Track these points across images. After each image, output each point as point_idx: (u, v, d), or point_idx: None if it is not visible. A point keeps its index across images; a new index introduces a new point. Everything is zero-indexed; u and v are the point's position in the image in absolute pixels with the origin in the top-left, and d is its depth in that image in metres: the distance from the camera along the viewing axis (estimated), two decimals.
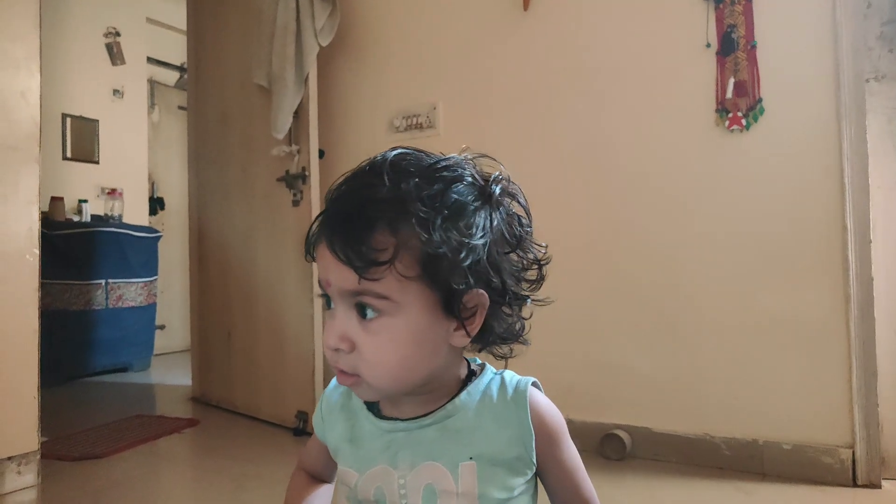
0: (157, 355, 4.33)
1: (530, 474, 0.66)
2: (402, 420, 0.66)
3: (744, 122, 1.94)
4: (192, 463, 2.31)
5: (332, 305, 0.62)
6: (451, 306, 0.60)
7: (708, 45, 1.99)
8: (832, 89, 1.83)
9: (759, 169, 1.93)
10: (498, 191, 0.63)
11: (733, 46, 1.95)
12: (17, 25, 1.92)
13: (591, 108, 2.21)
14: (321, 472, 0.83)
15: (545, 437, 0.66)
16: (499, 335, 0.66)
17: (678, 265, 2.05)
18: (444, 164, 0.61)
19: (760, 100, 1.92)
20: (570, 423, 0.67)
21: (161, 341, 4.47)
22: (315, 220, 0.62)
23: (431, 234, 0.56)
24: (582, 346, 2.20)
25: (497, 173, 0.64)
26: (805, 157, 1.87)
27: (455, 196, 0.59)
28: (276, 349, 2.64)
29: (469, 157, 0.65)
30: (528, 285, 0.67)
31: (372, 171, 0.60)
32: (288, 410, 2.53)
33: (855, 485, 1.78)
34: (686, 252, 2.04)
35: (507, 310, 0.65)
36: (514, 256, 0.64)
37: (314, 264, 2.39)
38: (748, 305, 1.94)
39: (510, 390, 0.66)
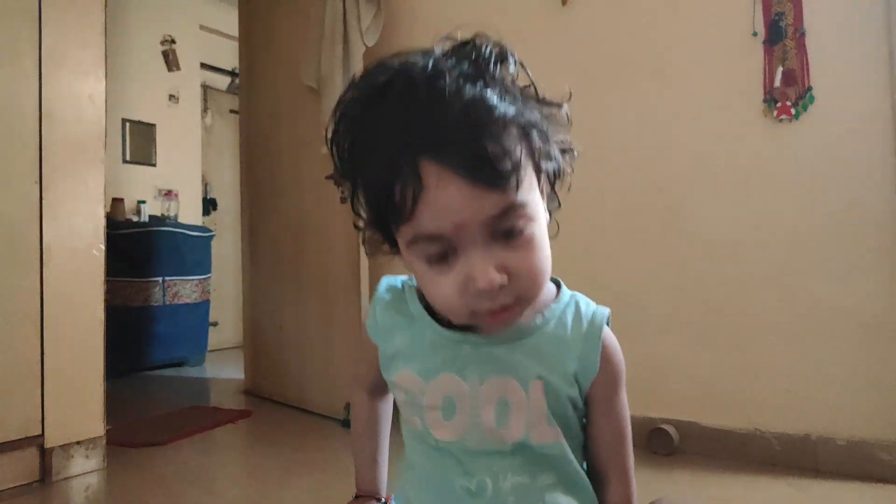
0: (210, 351, 4.47)
1: (581, 405, 0.68)
2: (473, 333, 0.65)
3: (793, 111, 1.90)
4: (247, 451, 2.39)
5: (455, 254, 0.55)
6: (547, 185, 0.60)
7: (755, 34, 1.96)
8: (886, 76, 1.78)
9: (809, 159, 1.90)
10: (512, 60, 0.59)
11: (781, 35, 1.92)
12: (87, 34, 2.03)
13: (635, 102, 2.20)
14: (377, 384, 0.80)
15: (608, 376, 0.67)
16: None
17: (727, 256, 2.03)
18: (480, 55, 0.56)
19: (810, 88, 1.88)
20: None
21: (214, 337, 4.61)
22: (394, 175, 0.52)
23: (533, 122, 0.55)
24: (628, 338, 2.17)
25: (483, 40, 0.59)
26: (858, 145, 1.83)
27: (514, 84, 0.57)
28: (325, 343, 2.71)
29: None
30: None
31: (437, 87, 0.52)
32: (337, 402, 2.60)
33: None
34: (735, 243, 2.01)
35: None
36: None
37: (363, 256, 2.41)
38: (800, 297, 1.91)
39: (584, 322, 0.67)
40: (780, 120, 1.93)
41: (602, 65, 2.26)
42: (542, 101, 0.60)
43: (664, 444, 2.04)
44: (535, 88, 0.60)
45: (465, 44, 0.58)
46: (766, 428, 1.94)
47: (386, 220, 0.56)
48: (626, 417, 0.70)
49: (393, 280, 0.75)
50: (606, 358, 0.66)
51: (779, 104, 1.92)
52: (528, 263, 0.56)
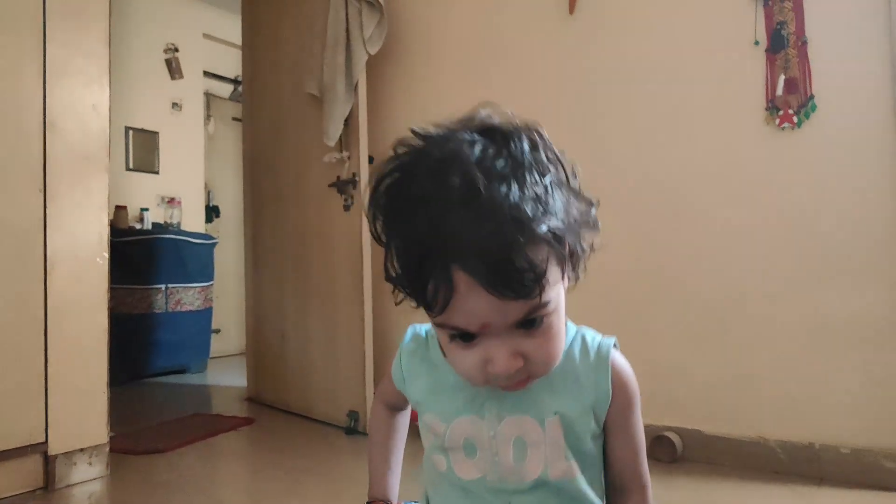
0: (212, 358, 4.47)
1: (599, 433, 0.70)
2: None
3: (795, 119, 1.91)
4: (249, 458, 2.39)
5: (476, 336, 0.59)
6: (570, 270, 0.62)
7: (757, 43, 1.97)
8: (888, 84, 1.79)
9: (811, 167, 1.90)
10: (552, 154, 0.61)
11: (783, 43, 1.92)
12: (91, 43, 2.05)
13: (638, 110, 2.20)
14: (397, 404, 0.89)
15: (622, 402, 0.69)
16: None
17: (730, 265, 2.03)
18: (514, 149, 0.58)
19: (812, 97, 1.89)
20: None
21: (216, 345, 4.62)
22: (429, 275, 0.55)
23: (564, 229, 0.57)
24: (631, 346, 2.17)
25: (529, 132, 0.60)
26: (860, 154, 1.83)
27: (550, 182, 0.57)
28: (328, 351, 2.71)
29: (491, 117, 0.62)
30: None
31: (474, 197, 0.54)
32: (340, 410, 2.60)
33: None
34: (738, 251, 2.02)
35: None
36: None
37: (366, 264, 2.42)
38: (803, 305, 1.91)
39: (592, 353, 0.69)
40: (783, 128, 1.93)
41: (607, 73, 2.27)
42: (575, 193, 0.62)
43: (668, 451, 2.04)
44: (567, 176, 0.61)
45: (497, 130, 0.59)
46: (770, 436, 1.94)
47: (416, 301, 0.59)
48: (641, 433, 0.73)
49: (418, 328, 0.80)
50: (618, 384, 0.69)
51: (781, 112, 1.92)
52: (544, 351, 0.61)
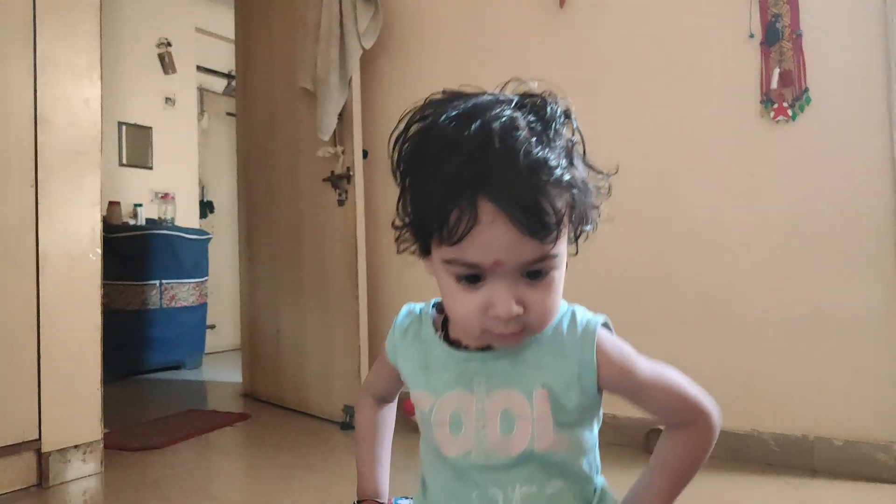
0: (207, 354, 4.47)
1: (595, 403, 0.70)
2: (477, 351, 0.70)
3: (789, 112, 1.91)
4: (244, 454, 2.38)
5: (483, 279, 0.61)
6: (576, 236, 0.65)
7: (751, 36, 1.97)
8: (883, 76, 1.79)
9: (806, 160, 1.90)
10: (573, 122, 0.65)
11: (778, 36, 1.92)
12: (81, 38, 2.03)
13: (631, 103, 2.20)
14: (385, 394, 0.89)
15: (616, 373, 0.69)
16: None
17: (725, 258, 2.03)
18: (548, 111, 0.62)
19: (807, 90, 1.89)
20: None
21: (211, 340, 4.61)
22: (454, 203, 0.57)
23: (582, 189, 0.61)
24: (628, 339, 2.19)
25: (553, 100, 0.64)
26: (855, 147, 1.83)
27: (568, 140, 0.62)
28: (323, 345, 2.71)
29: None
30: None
31: (510, 139, 0.57)
32: (335, 405, 2.59)
33: None
34: (733, 245, 2.02)
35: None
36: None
37: (360, 259, 2.42)
38: (797, 299, 1.91)
39: (579, 329, 0.69)
40: (777, 121, 1.93)
41: (599, 66, 2.27)
42: (592, 167, 0.66)
43: None
44: (585, 149, 0.66)
45: (535, 97, 0.63)
46: (764, 428, 1.95)
47: (428, 232, 0.61)
48: (664, 374, 0.71)
49: (412, 307, 0.80)
50: (604, 355, 0.69)
51: (775, 105, 1.93)
52: (543, 302, 0.63)
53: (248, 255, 3.30)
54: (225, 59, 4.86)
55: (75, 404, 1.99)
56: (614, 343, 0.71)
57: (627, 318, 2.17)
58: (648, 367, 0.71)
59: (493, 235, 0.57)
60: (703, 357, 2.05)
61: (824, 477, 1.81)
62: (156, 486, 1.93)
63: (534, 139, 0.58)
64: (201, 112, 5.03)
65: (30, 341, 1.88)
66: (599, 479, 0.75)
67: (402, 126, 0.65)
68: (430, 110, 0.63)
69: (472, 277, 0.61)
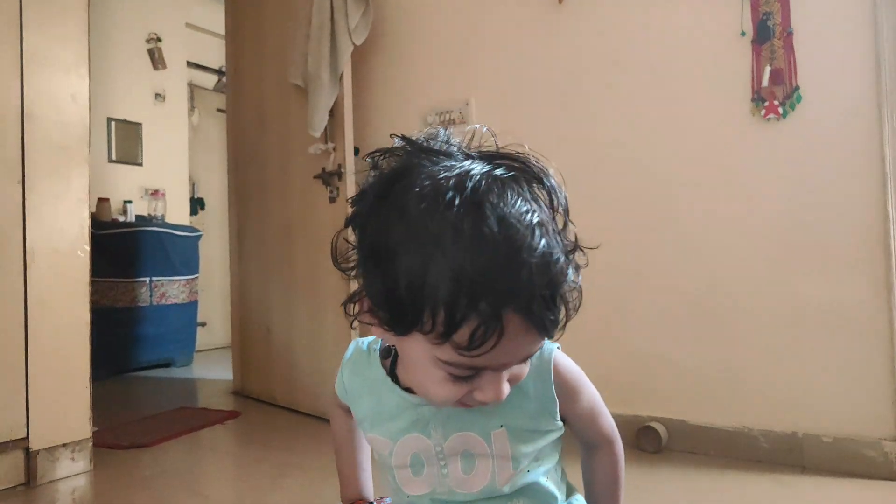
0: (198, 351, 4.44)
1: (556, 428, 0.71)
2: None
3: (780, 110, 1.91)
4: (235, 452, 2.37)
5: (477, 374, 0.57)
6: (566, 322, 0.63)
7: (743, 34, 1.97)
8: (873, 75, 1.80)
9: (796, 157, 1.91)
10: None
11: (769, 34, 1.93)
12: (68, 31, 2.00)
13: (625, 101, 2.20)
14: None
15: (567, 397, 0.71)
16: None
17: (715, 255, 2.04)
18: (541, 189, 0.58)
19: (797, 88, 1.89)
20: None
21: (202, 338, 4.58)
22: (471, 310, 0.51)
23: (577, 280, 0.58)
24: (617, 337, 2.20)
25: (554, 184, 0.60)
26: (845, 144, 1.84)
27: (559, 222, 0.59)
28: (314, 342, 2.70)
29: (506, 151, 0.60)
30: None
31: (511, 231, 0.51)
32: (326, 402, 2.59)
33: None
34: (723, 242, 2.02)
35: None
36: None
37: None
38: (787, 295, 1.92)
39: (533, 359, 0.67)
40: (768, 119, 1.94)
41: (594, 63, 2.27)
42: (580, 248, 0.61)
43: (652, 441, 2.05)
44: (567, 218, 0.60)
45: (526, 165, 0.58)
46: (753, 425, 1.96)
47: (412, 323, 0.53)
48: (593, 399, 0.75)
49: (361, 342, 0.77)
50: (561, 385, 0.70)
51: (766, 103, 1.93)
52: (523, 371, 0.63)
53: (238, 252, 3.28)
54: (215, 54, 4.83)
55: (64, 402, 1.97)
56: (567, 367, 0.71)
57: (617, 314, 2.19)
58: (592, 395, 0.75)
59: (517, 345, 0.54)
60: (692, 353, 2.06)
61: (813, 473, 1.82)
62: (145, 485, 1.92)
63: (535, 226, 0.52)
64: (191, 108, 4.99)
65: (17, 339, 1.86)
66: (564, 485, 0.77)
67: (376, 186, 0.57)
68: (407, 176, 0.55)
69: (468, 377, 0.57)
